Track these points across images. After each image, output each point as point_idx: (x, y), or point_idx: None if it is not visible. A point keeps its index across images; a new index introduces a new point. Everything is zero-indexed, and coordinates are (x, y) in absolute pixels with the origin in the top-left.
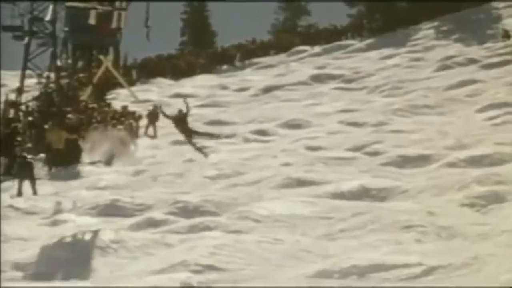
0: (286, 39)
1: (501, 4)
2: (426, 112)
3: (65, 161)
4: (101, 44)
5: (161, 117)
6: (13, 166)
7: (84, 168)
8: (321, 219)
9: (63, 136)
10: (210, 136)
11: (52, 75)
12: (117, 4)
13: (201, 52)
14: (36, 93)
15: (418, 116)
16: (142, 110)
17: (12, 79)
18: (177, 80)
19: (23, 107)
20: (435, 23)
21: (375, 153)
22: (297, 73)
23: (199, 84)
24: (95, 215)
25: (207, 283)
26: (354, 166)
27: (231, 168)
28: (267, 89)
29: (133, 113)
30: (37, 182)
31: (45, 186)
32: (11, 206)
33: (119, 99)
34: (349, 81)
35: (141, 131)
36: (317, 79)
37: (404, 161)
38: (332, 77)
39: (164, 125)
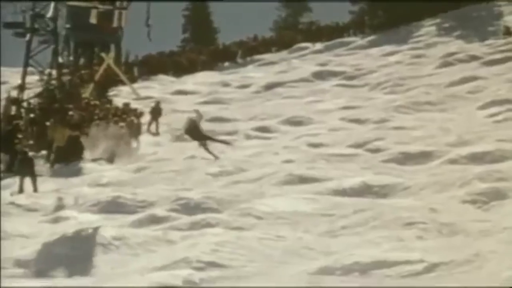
0: (288, 36)
1: (503, 1)
2: (428, 109)
3: (67, 158)
4: (103, 42)
5: (164, 113)
6: (14, 163)
7: (86, 165)
8: (323, 216)
9: (66, 134)
10: (223, 142)
11: (54, 72)
12: (118, 3)
13: (202, 49)
14: (37, 90)
15: (420, 113)
16: (144, 107)
17: (13, 76)
18: (178, 77)
19: (24, 104)
20: (437, 20)
21: (377, 150)
22: (298, 70)
23: (200, 81)
24: (96, 212)
25: (209, 280)
26: (356, 163)
27: (233, 165)
28: (269, 86)
29: (135, 110)
30: (39, 179)
31: (47, 183)
32: (12, 203)
33: (120, 96)
34: (351, 78)
35: (144, 128)
36: (319, 76)
37: (406, 158)
38: (334, 74)
39: (167, 122)
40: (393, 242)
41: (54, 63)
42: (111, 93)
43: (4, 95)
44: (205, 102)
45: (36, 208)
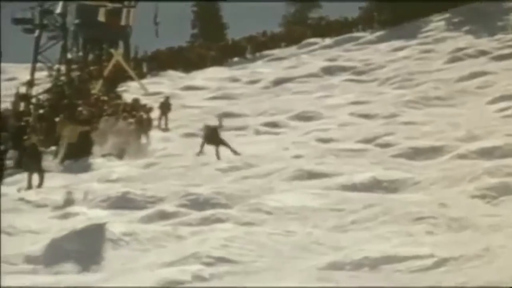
0: (297, 31)
1: None
2: (437, 104)
3: (77, 154)
4: (111, 38)
5: (173, 109)
6: (23, 158)
7: (95, 160)
8: (333, 211)
9: (77, 130)
10: (233, 151)
11: (63, 67)
12: (126, 2)
13: (212, 45)
14: (46, 86)
15: (429, 108)
16: (153, 102)
17: (22, 72)
18: (188, 73)
19: (33, 100)
20: (446, 15)
21: (386, 145)
22: (308, 65)
23: (210, 77)
24: (106, 207)
25: (219, 275)
26: (365, 158)
27: (242, 160)
28: (278, 82)
29: (144, 105)
30: (48, 175)
31: (56, 179)
32: (22, 199)
33: (130, 91)
34: (360, 73)
35: (154, 123)
36: (328, 71)
37: (415, 153)
38: (343, 69)
39: (176, 118)
40: (403, 237)
41: (63, 59)
42: (120, 88)
43: (13, 91)
44: (214, 98)
45: (46, 204)
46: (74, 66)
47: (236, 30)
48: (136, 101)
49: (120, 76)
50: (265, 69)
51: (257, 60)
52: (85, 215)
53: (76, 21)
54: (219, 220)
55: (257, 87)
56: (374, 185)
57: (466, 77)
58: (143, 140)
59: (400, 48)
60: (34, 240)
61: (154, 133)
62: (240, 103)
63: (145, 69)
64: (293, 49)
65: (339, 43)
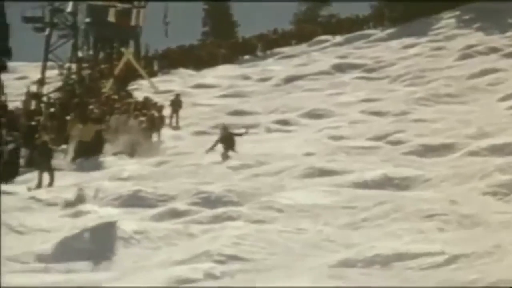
0: (307, 29)
1: None
2: (448, 101)
3: (89, 152)
4: (122, 38)
5: (184, 107)
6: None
7: (107, 159)
8: (344, 209)
9: (92, 129)
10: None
11: (74, 66)
12: (136, 2)
13: (222, 43)
14: (57, 84)
15: (440, 105)
16: (164, 100)
17: (33, 71)
18: (198, 71)
19: (44, 99)
20: (457, 12)
21: (397, 142)
22: (319, 62)
23: (220, 75)
24: (117, 206)
25: (230, 273)
26: (376, 155)
27: (253, 158)
28: (289, 79)
29: (156, 103)
30: (59, 173)
31: (68, 177)
32: (33, 198)
33: (141, 89)
34: (371, 70)
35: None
36: (339, 68)
37: (426, 150)
38: (354, 67)
39: (187, 116)
40: (414, 234)
41: (73, 57)
42: (131, 87)
43: (24, 90)
44: (225, 96)
45: (57, 203)
46: (85, 65)
47: (247, 28)
48: (147, 99)
49: (131, 74)
50: (276, 66)
51: (268, 58)
52: (97, 214)
53: (87, 19)
54: (230, 218)
55: (268, 84)
56: (385, 183)
57: (477, 74)
58: (155, 138)
59: (411, 46)
60: (45, 238)
61: (165, 131)
62: (251, 101)
63: (156, 68)
64: (303, 46)
65: (350, 40)
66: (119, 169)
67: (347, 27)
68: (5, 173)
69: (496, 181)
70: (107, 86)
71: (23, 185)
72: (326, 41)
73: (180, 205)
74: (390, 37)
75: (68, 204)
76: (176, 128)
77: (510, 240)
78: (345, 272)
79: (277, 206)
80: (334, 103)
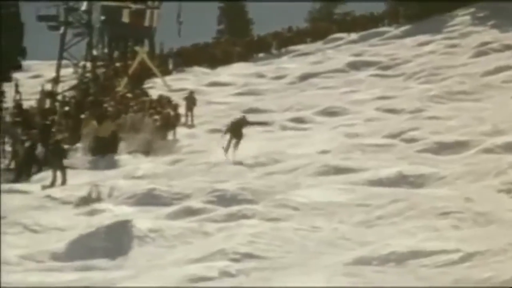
0: (322, 26)
1: None
2: (462, 99)
3: (104, 150)
4: (136, 37)
5: (198, 105)
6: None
7: (121, 157)
8: (359, 206)
9: (109, 127)
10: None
11: (88, 64)
12: (150, 2)
13: (237, 41)
14: (72, 83)
15: (455, 102)
16: (178, 98)
17: (48, 69)
18: (213, 69)
19: (59, 97)
20: (471, 10)
21: (412, 140)
22: (333, 60)
23: (235, 73)
24: (132, 204)
25: (246, 271)
26: (391, 153)
27: (268, 156)
28: (304, 77)
29: (171, 101)
30: (74, 171)
31: (82, 176)
32: (48, 196)
33: (155, 88)
34: (386, 68)
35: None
36: (354, 66)
37: (441, 148)
38: (369, 64)
39: (202, 114)
40: (429, 232)
41: (88, 55)
42: (146, 85)
43: (38, 89)
44: (240, 94)
45: (72, 201)
46: (99, 63)
47: (261, 26)
48: (161, 97)
49: (145, 73)
50: (290, 64)
51: (283, 56)
52: (111, 212)
53: (102, 17)
54: (245, 216)
55: (282, 82)
56: (400, 180)
57: (491, 71)
58: (170, 136)
59: (426, 43)
60: (60, 237)
61: (180, 129)
62: (266, 98)
63: (170, 66)
64: (318, 44)
65: (364, 38)
66: (133, 168)
67: (362, 24)
68: (21, 172)
69: (511, 179)
70: (122, 84)
71: (38, 183)
72: (341, 38)
73: (195, 203)
74: (405, 35)
75: (82, 201)
76: (191, 126)
77: None
78: (360, 270)
79: (292, 204)
80: (349, 101)
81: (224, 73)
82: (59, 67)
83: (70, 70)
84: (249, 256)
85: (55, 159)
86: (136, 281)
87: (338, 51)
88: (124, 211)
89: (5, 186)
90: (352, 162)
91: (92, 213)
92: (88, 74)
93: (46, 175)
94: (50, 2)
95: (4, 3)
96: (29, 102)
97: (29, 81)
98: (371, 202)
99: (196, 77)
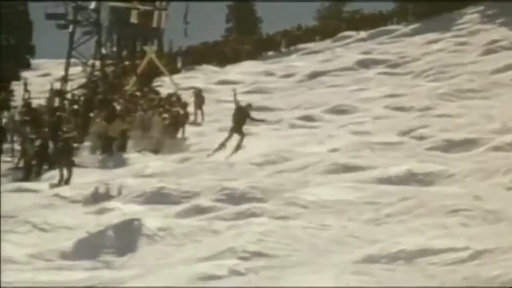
0: (331, 24)
1: None
2: (471, 96)
3: (112, 149)
4: (144, 37)
5: (207, 103)
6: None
7: (130, 156)
8: (368, 204)
9: (119, 126)
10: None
11: (97, 63)
12: (158, 3)
13: (246, 39)
14: (80, 81)
15: (464, 100)
16: (187, 97)
17: (56, 68)
18: (222, 67)
19: (68, 96)
20: (480, 8)
21: (421, 138)
22: (342, 58)
23: (244, 71)
24: (141, 203)
25: (255, 269)
26: (400, 151)
27: (277, 154)
28: (313, 75)
29: (180, 100)
30: (83, 170)
31: (91, 174)
32: (57, 195)
33: (164, 86)
34: (395, 66)
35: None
36: (363, 64)
37: (450, 146)
38: (378, 62)
39: (211, 112)
40: (438, 229)
41: (97, 54)
42: (155, 83)
43: (47, 87)
44: (249, 92)
45: (81, 200)
46: (108, 62)
47: (270, 24)
48: (170, 96)
49: (154, 71)
50: (299, 62)
51: (292, 54)
52: (120, 211)
53: (110, 16)
54: (254, 215)
55: (291, 80)
56: (409, 178)
57: (500, 69)
58: (179, 135)
59: (435, 41)
60: (69, 236)
61: (189, 128)
62: (274, 97)
63: (179, 64)
64: (327, 42)
65: (373, 36)
66: (142, 166)
67: (370, 23)
68: (30, 170)
69: None
70: (130, 83)
71: (47, 182)
72: (350, 37)
73: (204, 202)
74: (414, 33)
75: (91, 200)
76: (200, 124)
77: None
78: (369, 268)
79: (301, 202)
80: (357, 99)
81: (233, 71)
82: (68, 65)
83: (79, 68)
84: (258, 254)
85: (62, 157)
86: (145, 279)
87: (347, 49)
88: (133, 210)
89: (14, 185)
90: (361, 160)
91: (101, 211)
92: (97, 73)
93: (56, 173)
94: (59, 0)
95: (13, 2)
96: (38, 101)
97: (38, 80)
98: (380, 200)
99: (205, 75)
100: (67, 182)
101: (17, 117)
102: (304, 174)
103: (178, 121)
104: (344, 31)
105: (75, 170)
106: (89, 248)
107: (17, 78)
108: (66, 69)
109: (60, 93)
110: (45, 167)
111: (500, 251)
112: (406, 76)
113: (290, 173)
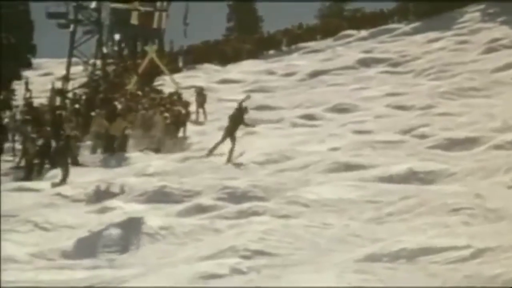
0: (332, 23)
1: None
2: (472, 95)
3: (114, 148)
4: (145, 37)
5: (209, 102)
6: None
7: (132, 155)
8: (369, 203)
9: (121, 125)
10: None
11: (98, 62)
12: (158, 4)
13: (247, 38)
14: (82, 80)
15: (465, 98)
16: (189, 96)
17: (58, 67)
18: (223, 66)
19: (70, 95)
20: (481, 6)
21: (422, 136)
22: (343, 57)
23: (245, 70)
24: (143, 201)
25: (257, 268)
26: (401, 150)
27: (278, 153)
28: (314, 74)
29: (181, 99)
30: (85, 169)
31: (93, 173)
32: (58, 194)
33: (165, 85)
34: (396, 64)
35: (192, 117)
36: (364, 63)
37: (451, 144)
38: (379, 61)
39: (212, 111)
40: (440, 228)
41: (98, 53)
42: (157, 82)
43: (49, 86)
44: (250, 91)
45: (82, 199)
46: (109, 61)
47: (271, 23)
48: (172, 95)
49: (155, 71)
50: (300, 61)
51: (293, 53)
52: (122, 210)
53: (111, 16)
54: (256, 213)
55: (293, 79)
56: (410, 177)
57: (501, 67)
58: (180, 134)
59: (436, 40)
60: (70, 235)
61: (190, 127)
62: (276, 95)
63: (181, 64)
64: (328, 41)
65: (374, 35)
66: (144, 165)
67: (371, 21)
68: (32, 170)
69: None
70: (131, 83)
71: (49, 181)
72: (351, 35)
73: (205, 201)
74: (415, 31)
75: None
76: (201, 123)
77: None
78: (371, 267)
79: (303, 201)
80: (359, 98)
81: (234, 70)
82: (69, 65)
83: (80, 68)
84: (260, 253)
85: (61, 156)
86: (146, 278)
87: (348, 48)
88: (134, 209)
89: (15, 184)
90: (362, 158)
91: (102, 210)
92: (98, 72)
93: (57, 172)
94: (60, 0)
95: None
96: (39, 100)
97: (39, 79)
98: (382, 199)
99: (207, 75)
100: (63, 180)
101: (18, 116)
102: (305, 173)
103: (180, 120)
104: (345, 30)
105: (77, 170)
106: (90, 247)
107: (18, 77)
108: (67, 68)
109: (62, 92)
110: (47, 166)
111: (501, 249)
112: (407, 75)
113: (291, 172)
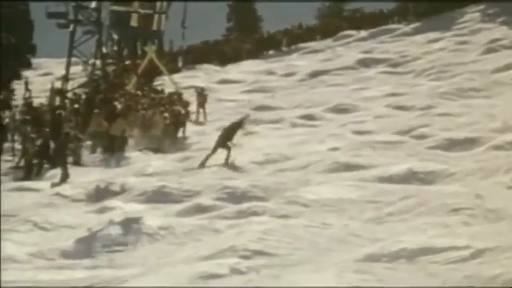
0: (332, 23)
1: None
2: (472, 95)
3: (115, 147)
4: (145, 37)
5: (209, 102)
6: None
7: (131, 155)
8: (369, 203)
9: (122, 125)
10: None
11: (98, 62)
12: (158, 6)
13: (247, 38)
14: (81, 80)
15: (465, 99)
16: (189, 96)
17: (57, 67)
18: (223, 66)
19: (69, 95)
20: (481, 6)
21: (422, 137)
22: (343, 57)
23: (245, 70)
24: (142, 201)
25: (256, 268)
26: (401, 150)
27: (278, 153)
28: (314, 74)
29: (181, 99)
30: (84, 169)
31: (92, 173)
32: (58, 194)
33: (165, 85)
34: (396, 65)
35: (193, 117)
36: (364, 63)
37: (451, 144)
38: (379, 61)
39: (212, 111)
40: (439, 228)
41: (98, 53)
42: (156, 82)
43: (48, 86)
44: (250, 91)
45: (82, 199)
46: (109, 61)
47: (271, 23)
48: (171, 95)
49: (155, 71)
50: (300, 61)
51: (293, 53)
52: (122, 209)
53: (111, 16)
54: (255, 213)
55: (292, 79)
56: (410, 177)
57: (501, 68)
58: (180, 134)
59: (436, 40)
60: (70, 235)
61: (190, 127)
62: (276, 96)
63: (180, 64)
64: (328, 41)
65: (374, 35)
66: (144, 165)
67: (371, 22)
68: (31, 170)
69: None
70: (131, 83)
71: (48, 181)
72: (351, 36)
73: (205, 201)
74: (415, 32)
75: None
76: (202, 123)
77: None
78: (371, 267)
79: (303, 201)
80: (358, 98)
81: (234, 70)
82: (68, 64)
83: (79, 67)
84: (260, 253)
85: (60, 155)
86: (146, 278)
87: (347, 48)
88: (134, 209)
89: (15, 184)
90: (362, 159)
91: (102, 210)
92: (97, 72)
93: (56, 172)
94: (60, 0)
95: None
96: (39, 100)
97: (39, 79)
98: (381, 199)
99: (206, 75)
100: (63, 180)
101: (18, 116)
102: (305, 173)
103: (179, 120)
104: (345, 30)
105: (76, 169)
106: (90, 247)
107: (18, 77)
108: (67, 68)
109: (61, 92)
110: (46, 166)
111: (501, 249)
112: (407, 75)
113: (291, 172)
